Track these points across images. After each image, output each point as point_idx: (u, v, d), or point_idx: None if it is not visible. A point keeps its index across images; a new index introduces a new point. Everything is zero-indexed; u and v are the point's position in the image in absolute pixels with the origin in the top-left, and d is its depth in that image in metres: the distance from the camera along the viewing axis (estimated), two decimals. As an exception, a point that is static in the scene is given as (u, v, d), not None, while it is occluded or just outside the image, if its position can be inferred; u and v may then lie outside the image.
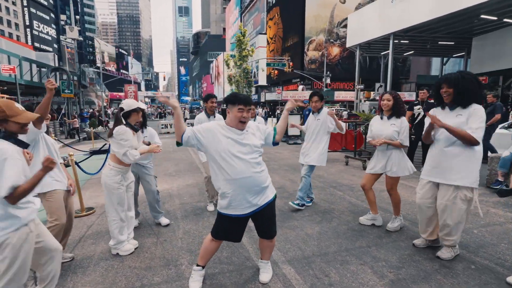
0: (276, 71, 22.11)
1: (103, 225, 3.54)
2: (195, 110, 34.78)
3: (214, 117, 3.91)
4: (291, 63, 20.89)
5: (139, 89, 52.10)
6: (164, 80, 58.50)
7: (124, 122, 2.68)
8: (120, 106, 2.77)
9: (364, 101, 22.11)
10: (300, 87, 32.36)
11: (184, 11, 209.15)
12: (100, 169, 5.74)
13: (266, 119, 17.44)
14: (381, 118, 3.19)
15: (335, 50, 34.27)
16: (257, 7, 49.57)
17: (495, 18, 14.58)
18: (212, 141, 2.05)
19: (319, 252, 2.76)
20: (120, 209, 2.76)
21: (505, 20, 14.91)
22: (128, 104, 2.74)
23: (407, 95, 31.21)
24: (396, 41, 17.12)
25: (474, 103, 2.42)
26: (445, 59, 23.93)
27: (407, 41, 18.54)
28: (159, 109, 40.88)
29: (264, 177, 2.13)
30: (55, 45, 50.05)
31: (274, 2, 40.43)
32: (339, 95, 31.55)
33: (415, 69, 36.08)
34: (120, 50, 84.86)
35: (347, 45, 20.95)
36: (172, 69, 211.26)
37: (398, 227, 3.21)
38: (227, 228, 2.17)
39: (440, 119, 2.43)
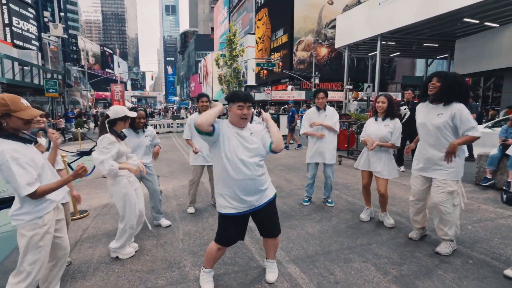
0: (265, 71, 22.16)
1: (98, 228, 3.45)
2: (182, 110, 34.31)
3: None
4: (280, 63, 20.99)
5: (125, 88, 51.04)
6: (152, 79, 56.90)
7: (107, 131, 2.54)
8: (106, 112, 2.63)
9: (353, 101, 22.47)
10: (289, 87, 32.58)
11: (171, 9, 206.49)
12: (92, 170, 5.60)
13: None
14: (376, 119, 3.29)
15: (323, 51, 34.68)
16: (245, 7, 49.53)
17: (477, 21, 15.16)
18: (226, 137, 2.05)
19: (322, 251, 2.79)
20: (133, 217, 2.66)
21: (486, 23, 15.52)
22: (115, 111, 2.58)
23: (393, 96, 31.89)
24: (384, 42, 17.51)
25: (455, 102, 2.52)
26: (429, 60, 24.64)
27: (393, 43, 19.00)
28: (147, 109, 40.12)
29: (264, 179, 2.13)
30: (36, 43, 48.37)
31: (262, 2, 40.52)
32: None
33: (400, 70, 36.98)
34: (105, 48, 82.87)
35: (336, 46, 21.24)
36: (159, 69, 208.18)
37: (394, 223, 3.30)
38: (228, 228, 2.14)
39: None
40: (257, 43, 41.81)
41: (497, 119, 8.24)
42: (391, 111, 3.19)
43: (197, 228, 3.38)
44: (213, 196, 4.11)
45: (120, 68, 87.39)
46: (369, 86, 16.77)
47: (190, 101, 75.24)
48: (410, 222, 3.36)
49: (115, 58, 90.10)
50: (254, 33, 42.71)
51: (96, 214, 3.93)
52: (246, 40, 41.42)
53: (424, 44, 19.61)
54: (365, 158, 3.35)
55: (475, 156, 5.14)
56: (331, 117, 3.88)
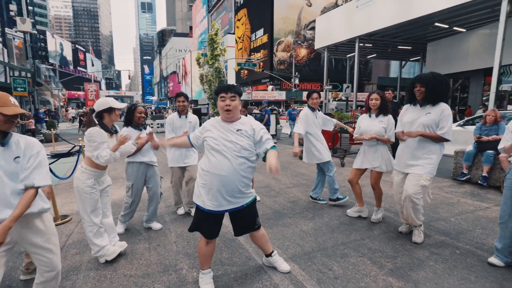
0: (245, 71, 22.18)
1: (83, 233, 3.25)
2: (162, 110, 33.48)
3: (186, 117, 3.68)
4: (261, 63, 21.08)
5: (100, 88, 48.84)
6: (129, 78, 54.17)
7: (97, 124, 2.46)
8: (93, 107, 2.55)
9: (332, 101, 23.00)
10: (270, 87, 32.82)
11: (147, 7, 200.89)
12: (72, 173, 5.32)
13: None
14: (369, 116, 3.37)
15: (303, 52, 35.27)
16: (224, 6, 49.26)
17: (447, 26, 16.05)
18: (205, 133, 2.11)
19: (318, 247, 2.82)
20: (94, 215, 2.53)
21: (454, 28, 16.48)
22: (98, 104, 2.50)
23: (370, 96, 33.06)
24: (361, 44, 18.07)
25: (441, 102, 2.68)
26: (403, 62, 25.75)
27: (370, 45, 19.65)
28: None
29: (243, 183, 2.05)
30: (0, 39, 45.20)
31: (241, 2, 40.51)
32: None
33: (375, 71, 38.39)
34: (77, 46, 79.05)
35: (316, 47, 21.63)
36: (135, 68, 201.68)
37: (381, 218, 3.41)
38: (200, 219, 2.13)
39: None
40: (236, 42, 41.73)
41: (466, 119, 8.78)
42: (384, 108, 3.28)
43: (190, 230, 3.30)
44: (189, 203, 3.87)
45: (94, 67, 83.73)
46: (348, 87, 17.24)
47: (168, 101, 73.66)
48: (398, 217, 3.49)
49: (88, 56, 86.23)
50: (233, 33, 42.59)
51: (79, 218, 3.72)
52: (226, 39, 41.17)
53: (399, 47, 20.47)
54: (363, 156, 3.39)
55: (452, 153, 5.42)
56: (327, 118, 4.05)
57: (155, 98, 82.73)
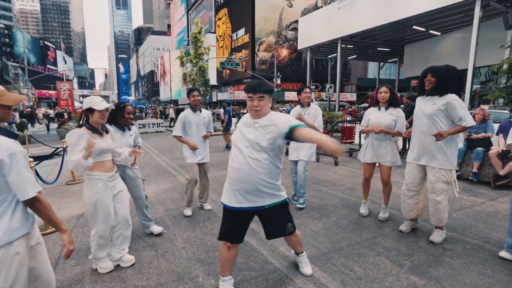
0: (228, 71, 21.96)
1: (80, 242, 3.03)
2: (139, 112, 32.30)
3: (200, 111, 3.70)
4: (244, 63, 20.97)
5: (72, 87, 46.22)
6: (106, 77, 50.85)
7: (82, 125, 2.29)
8: None
9: (315, 100, 23.35)
10: (252, 87, 32.72)
11: (122, 3, 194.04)
12: (57, 177, 4.95)
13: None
14: (379, 109, 3.37)
15: (284, 52, 35.55)
16: (204, 5, 48.62)
17: (423, 29, 16.81)
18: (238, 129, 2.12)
19: (333, 248, 2.78)
20: (102, 227, 2.34)
21: (430, 31, 17.30)
22: (84, 102, 2.32)
23: (349, 96, 33.98)
24: (343, 45, 18.49)
25: (450, 93, 2.69)
26: (381, 63, 26.69)
27: (352, 46, 20.18)
28: None
29: (263, 180, 1.95)
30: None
31: (222, 2, 40.14)
32: (289, 95, 32.82)
33: (354, 72, 39.52)
34: (46, 42, 74.65)
35: (298, 47, 21.88)
36: (110, 66, 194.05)
37: (388, 216, 3.44)
38: (224, 219, 2.09)
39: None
40: (217, 40, 41.30)
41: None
42: (394, 100, 3.30)
43: (197, 234, 3.15)
44: (202, 198, 3.89)
45: (66, 65, 79.46)
46: (331, 87, 17.58)
47: (146, 101, 71.50)
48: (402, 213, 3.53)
49: (59, 53, 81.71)
50: (214, 32, 42.13)
51: (73, 226, 3.46)
52: (206, 38, 40.68)
53: (378, 48, 21.19)
54: (372, 151, 3.40)
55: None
56: (315, 116, 3.84)
57: (132, 97, 79.98)
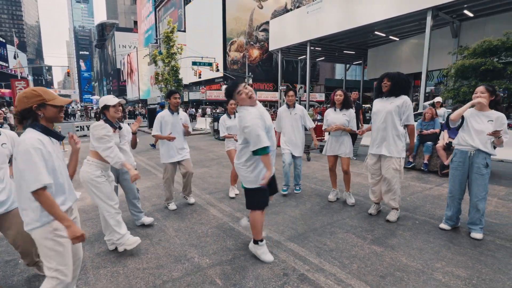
0: (199, 70, 21.94)
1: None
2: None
3: (178, 113, 3.89)
4: (217, 63, 21.13)
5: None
6: (68, 75, 46.48)
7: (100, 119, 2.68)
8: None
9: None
10: (224, 87, 32.86)
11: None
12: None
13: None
14: (335, 110, 3.92)
15: (255, 52, 36.06)
16: (173, 3, 47.58)
17: (384, 34, 18.19)
18: None
19: (309, 228, 3.22)
20: (111, 201, 2.64)
21: (390, 37, 18.75)
22: (100, 101, 2.73)
23: (318, 96, 35.38)
24: (312, 48, 19.38)
25: (403, 95, 3.27)
26: (347, 65, 28.21)
27: (320, 48, 21.17)
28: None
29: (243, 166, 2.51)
30: None
31: (190, 0, 39.68)
32: (261, 95, 33.38)
33: (322, 73, 41.18)
34: (-7, 35, 68.13)
35: (270, 49, 22.46)
36: (70, 63, 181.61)
37: (354, 201, 3.98)
38: (262, 194, 2.53)
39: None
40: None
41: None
42: (347, 103, 3.87)
43: (186, 224, 3.43)
44: (185, 190, 4.09)
45: (17, 61, 73.13)
46: (301, 87, 18.36)
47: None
48: (367, 200, 4.10)
49: (10, 48, 75.03)
50: (184, 31, 41.49)
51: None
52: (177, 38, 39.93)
53: (344, 51, 22.45)
54: (331, 145, 3.95)
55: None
56: (302, 116, 4.29)
57: (96, 97, 75.80)
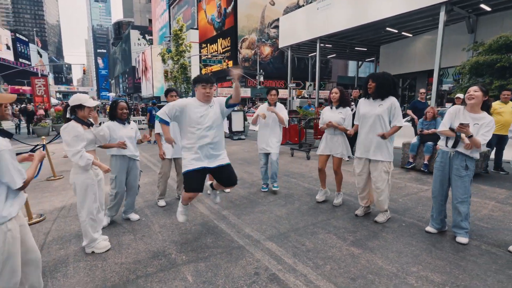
0: (211, 68, 22.05)
1: (63, 230, 3.30)
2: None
3: None
4: (227, 61, 21.20)
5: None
6: (84, 73, 48.77)
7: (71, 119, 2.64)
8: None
9: (296, 98, 23.94)
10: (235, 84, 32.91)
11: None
12: (37, 174, 5.10)
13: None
14: (331, 108, 3.84)
15: (267, 50, 35.92)
16: (186, 1, 48.00)
17: (396, 31, 17.65)
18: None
19: (292, 228, 3.21)
20: (93, 207, 2.70)
21: (403, 33, 18.19)
22: (72, 99, 2.68)
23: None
24: (322, 44, 19.07)
25: (390, 96, 3.18)
26: (360, 62, 27.63)
27: (330, 45, 20.81)
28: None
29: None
30: None
31: (204, -3, 39.86)
32: (272, 93, 33.15)
33: (335, 70, 40.55)
34: (17, 35, 71.06)
35: (280, 46, 22.29)
36: (88, 61, 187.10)
37: (341, 201, 3.92)
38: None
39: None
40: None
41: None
42: (343, 100, 3.77)
43: (172, 221, 3.49)
44: (180, 189, 4.21)
45: (41, 59, 76.02)
46: (310, 85, 18.14)
47: (127, 98, 69.88)
48: (356, 200, 4.02)
49: (33, 47, 78.08)
50: (197, 28, 41.83)
51: (55, 217, 3.70)
52: (189, 35, 40.33)
53: (356, 48, 21.96)
54: (325, 144, 3.87)
55: (400, 145, 6.20)
56: (280, 110, 4.31)
57: (112, 94, 77.80)
